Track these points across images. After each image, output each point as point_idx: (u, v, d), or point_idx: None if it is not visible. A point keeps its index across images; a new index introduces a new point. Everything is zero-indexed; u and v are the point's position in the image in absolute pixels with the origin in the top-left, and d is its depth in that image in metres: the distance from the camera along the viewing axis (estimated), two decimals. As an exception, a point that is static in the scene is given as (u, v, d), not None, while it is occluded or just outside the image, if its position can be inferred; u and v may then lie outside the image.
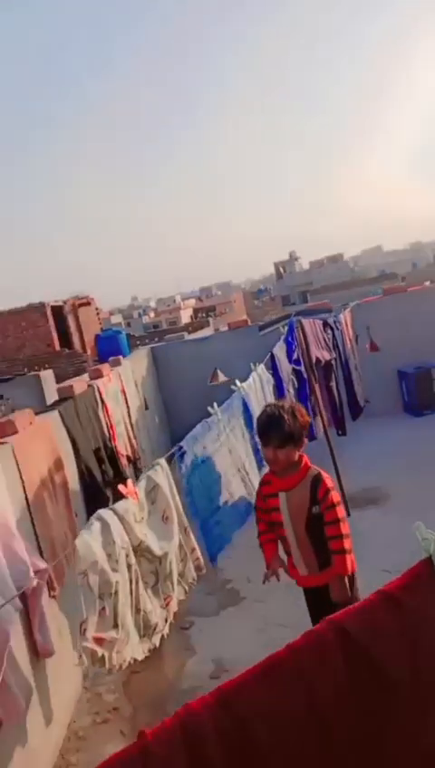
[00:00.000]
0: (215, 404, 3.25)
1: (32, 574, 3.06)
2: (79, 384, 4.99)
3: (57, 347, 18.92)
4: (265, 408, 2.68)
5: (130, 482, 2.31)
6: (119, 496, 5.15)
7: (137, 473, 6.00)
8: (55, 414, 4.25)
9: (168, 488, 2.55)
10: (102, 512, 2.09)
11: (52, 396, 10.46)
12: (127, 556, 2.11)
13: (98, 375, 5.64)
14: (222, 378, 8.84)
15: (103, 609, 2.05)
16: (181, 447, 2.77)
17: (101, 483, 4.71)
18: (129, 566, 2.19)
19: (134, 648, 2.35)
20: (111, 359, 6.81)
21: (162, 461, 2.63)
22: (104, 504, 4.73)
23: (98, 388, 5.37)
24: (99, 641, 2.04)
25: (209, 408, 3.22)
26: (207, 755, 1.04)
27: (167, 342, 9.28)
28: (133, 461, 5.95)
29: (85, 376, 5.45)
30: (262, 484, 2.93)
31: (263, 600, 4.09)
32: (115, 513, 2.11)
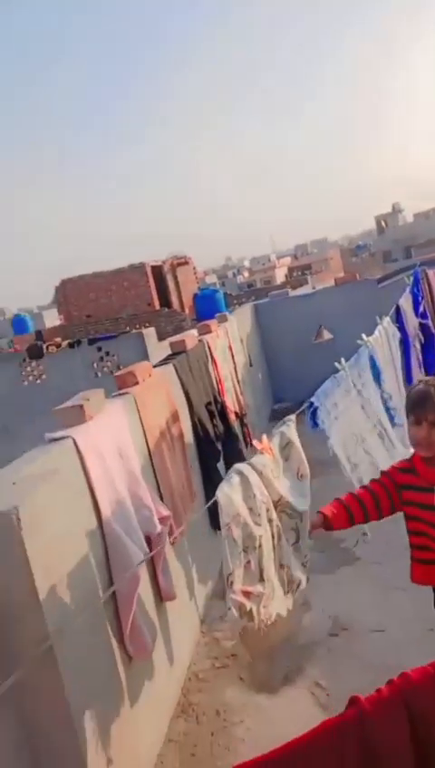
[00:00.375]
0: (342, 359, 3.08)
1: (156, 521, 3.13)
2: (190, 339, 4.98)
3: (157, 306, 19.32)
4: (415, 384, 2.29)
5: (264, 437, 2.24)
6: (229, 452, 5.17)
7: (243, 429, 5.98)
8: (170, 367, 4.27)
9: (300, 445, 2.45)
10: (240, 465, 2.03)
11: (154, 352, 10.71)
12: (268, 511, 2.06)
13: (207, 331, 5.61)
14: (327, 335, 8.53)
15: (249, 562, 2.02)
16: (313, 403, 2.64)
17: (213, 437, 4.72)
18: (270, 521, 2.13)
19: (279, 604, 2.32)
20: (217, 315, 6.77)
21: (293, 417, 2.52)
22: (216, 459, 4.79)
23: (207, 343, 5.35)
24: (246, 594, 2.01)
25: (337, 364, 3.05)
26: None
27: (271, 299, 9.08)
28: (240, 417, 5.93)
29: (194, 331, 5.43)
30: (401, 470, 2.32)
31: (380, 562, 3.96)
32: (253, 467, 2.04)
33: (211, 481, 4.51)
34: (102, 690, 2.14)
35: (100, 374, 12.02)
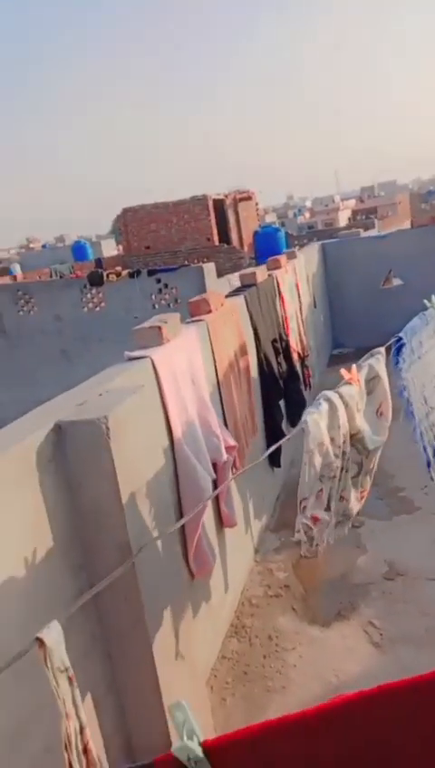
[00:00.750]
0: (433, 296, 2.88)
1: (223, 449, 3.13)
2: (261, 272, 4.82)
3: (216, 241, 18.91)
4: None
5: (353, 367, 2.14)
6: (289, 391, 5.09)
7: (304, 371, 5.87)
8: (241, 299, 4.16)
9: (386, 381, 2.34)
10: (329, 393, 1.96)
11: (213, 287, 10.55)
12: (343, 443, 1.99)
13: (276, 266, 5.42)
14: (396, 282, 8.15)
15: (321, 491, 1.99)
16: (400, 339, 2.50)
17: (277, 374, 4.65)
18: (344, 453, 2.08)
19: (331, 532, 2.31)
20: (286, 251, 6.53)
21: (382, 350, 2.40)
22: (279, 397, 4.73)
23: (276, 278, 5.18)
24: (315, 520, 1.99)
25: (426, 301, 2.86)
26: None
27: (340, 239, 8.68)
28: (302, 358, 5.81)
29: (263, 267, 5.25)
30: None
31: (440, 513, 3.89)
32: (341, 396, 1.96)
33: (272, 418, 4.48)
34: (168, 601, 2.20)
35: (157, 306, 11.99)
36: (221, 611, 3.22)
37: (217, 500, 3.26)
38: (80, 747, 1.03)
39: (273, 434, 4.46)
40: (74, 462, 1.86)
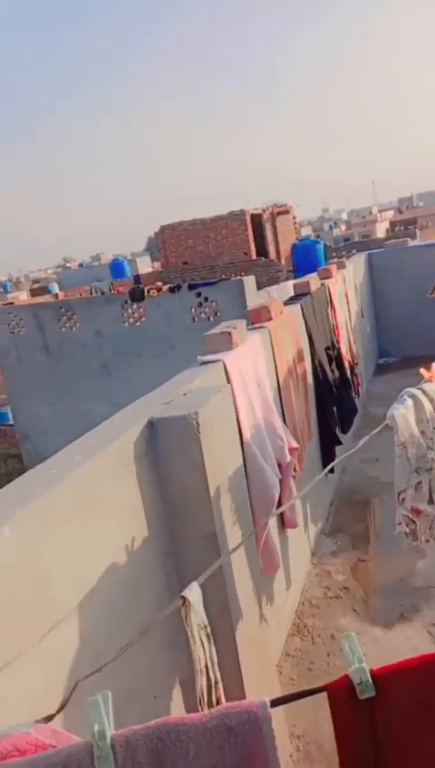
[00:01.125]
0: None
1: (286, 451, 3.23)
2: (314, 281, 4.93)
3: (253, 255, 19.12)
4: None
5: (433, 366, 2.22)
6: (341, 399, 5.14)
7: (353, 378, 5.92)
8: (298, 307, 4.27)
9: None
10: (413, 390, 2.04)
11: (253, 301, 10.68)
12: (432, 440, 2.06)
13: (327, 275, 5.51)
14: (443, 291, 8.12)
15: (420, 483, 2.06)
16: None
17: (331, 381, 4.72)
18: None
19: None
20: (335, 261, 6.61)
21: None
22: (333, 403, 4.80)
23: (328, 287, 5.27)
24: (416, 512, 2.06)
25: None
26: None
27: (386, 249, 8.72)
28: (352, 366, 5.86)
29: (316, 276, 5.35)
30: None
31: None
32: (425, 392, 2.04)
33: (327, 423, 4.55)
34: (246, 593, 2.29)
35: (197, 319, 12.21)
36: (283, 610, 3.29)
37: (279, 501, 3.34)
38: (214, 701, 1.13)
39: (327, 439, 4.53)
40: (165, 456, 1.99)
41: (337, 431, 4.75)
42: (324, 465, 4.58)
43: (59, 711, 0.87)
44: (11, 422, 13.45)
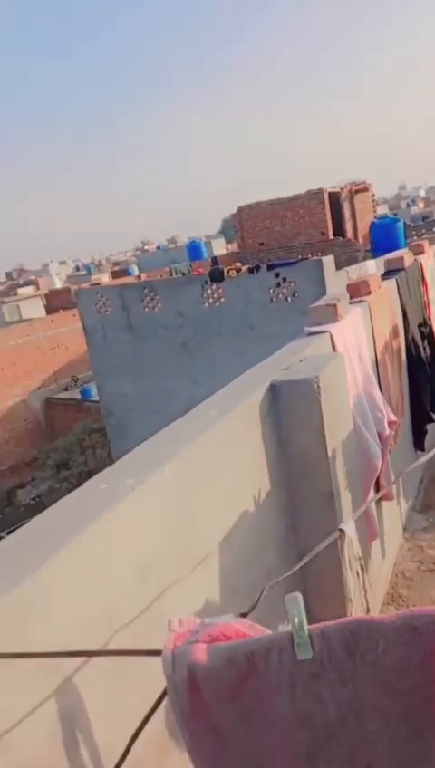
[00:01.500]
0: None
1: (386, 423, 3.27)
2: (408, 256, 4.85)
3: (331, 235, 18.78)
4: None
5: None
6: (434, 377, 5.05)
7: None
8: (393, 282, 4.25)
9: None
10: None
11: (332, 281, 10.56)
12: None
13: (420, 251, 5.40)
14: None
15: None
16: None
17: (424, 357, 4.67)
18: None
19: None
20: (425, 237, 6.43)
21: None
22: (426, 380, 4.75)
23: (421, 263, 5.17)
24: None
25: None
26: None
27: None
28: (442, 344, 5.73)
29: (409, 251, 5.26)
30: None
31: None
32: None
33: (419, 399, 4.52)
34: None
35: (275, 300, 12.22)
36: (378, 580, 3.36)
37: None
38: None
39: (419, 416, 4.50)
40: (286, 417, 2.11)
41: (429, 409, 4.71)
42: (415, 442, 4.56)
43: (251, 609, 1.01)
44: (95, 398, 14.08)
